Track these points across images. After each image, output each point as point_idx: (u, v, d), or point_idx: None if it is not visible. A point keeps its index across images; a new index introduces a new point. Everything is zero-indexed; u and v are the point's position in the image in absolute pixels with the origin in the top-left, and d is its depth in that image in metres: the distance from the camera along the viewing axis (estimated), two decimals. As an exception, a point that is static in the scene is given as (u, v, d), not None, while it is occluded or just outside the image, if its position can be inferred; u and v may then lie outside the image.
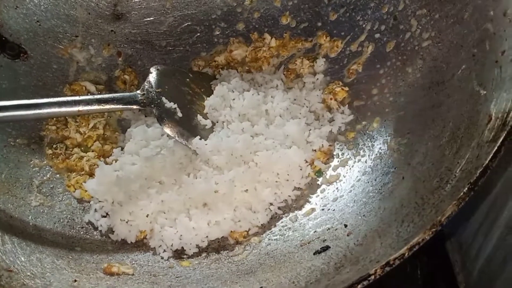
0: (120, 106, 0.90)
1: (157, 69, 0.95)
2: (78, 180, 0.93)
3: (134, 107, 0.90)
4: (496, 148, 0.63)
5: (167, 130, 0.90)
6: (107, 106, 0.88)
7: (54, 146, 0.96)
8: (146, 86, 0.92)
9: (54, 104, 0.84)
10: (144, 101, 0.90)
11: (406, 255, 0.60)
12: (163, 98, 0.91)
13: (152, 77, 0.94)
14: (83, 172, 0.94)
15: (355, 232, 0.72)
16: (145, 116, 1.00)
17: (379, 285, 0.61)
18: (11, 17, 0.94)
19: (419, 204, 0.67)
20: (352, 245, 0.69)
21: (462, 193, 0.62)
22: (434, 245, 0.95)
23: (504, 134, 0.64)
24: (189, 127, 0.92)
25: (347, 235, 0.73)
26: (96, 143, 0.97)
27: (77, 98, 0.87)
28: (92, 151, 0.96)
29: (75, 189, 0.92)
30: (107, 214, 0.89)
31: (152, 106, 0.90)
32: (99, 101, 0.87)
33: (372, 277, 0.59)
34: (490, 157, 0.63)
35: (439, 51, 0.84)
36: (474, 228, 0.88)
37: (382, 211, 0.73)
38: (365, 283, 0.59)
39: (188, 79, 0.98)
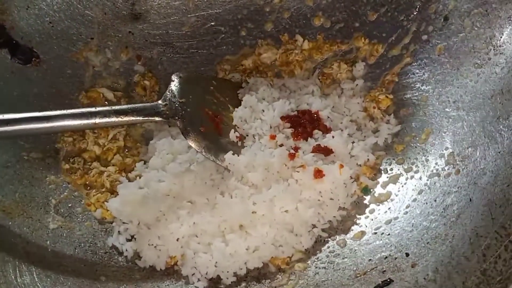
0: (141, 118, 0.83)
1: (179, 77, 0.89)
2: (98, 198, 0.87)
3: (156, 119, 0.84)
4: None
5: (193, 145, 0.83)
6: (126, 118, 0.82)
7: (71, 160, 0.90)
8: (168, 96, 0.86)
9: (68, 116, 0.78)
10: (167, 112, 0.84)
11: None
12: (188, 109, 0.84)
13: (175, 85, 0.87)
14: (103, 189, 0.89)
15: (422, 264, 0.65)
16: (169, 126, 0.94)
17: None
18: (22, 18, 0.88)
19: (501, 234, 0.59)
20: (421, 280, 0.61)
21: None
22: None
23: None
24: (216, 141, 0.85)
25: (412, 267, 0.65)
26: (117, 156, 0.92)
27: (93, 109, 0.80)
28: (113, 165, 0.91)
29: (96, 208, 0.87)
30: (132, 237, 0.83)
31: (176, 118, 0.84)
32: (118, 113, 0.81)
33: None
34: None
35: (501, 55, 0.77)
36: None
37: (451, 239, 0.65)
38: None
39: (212, 87, 0.92)
